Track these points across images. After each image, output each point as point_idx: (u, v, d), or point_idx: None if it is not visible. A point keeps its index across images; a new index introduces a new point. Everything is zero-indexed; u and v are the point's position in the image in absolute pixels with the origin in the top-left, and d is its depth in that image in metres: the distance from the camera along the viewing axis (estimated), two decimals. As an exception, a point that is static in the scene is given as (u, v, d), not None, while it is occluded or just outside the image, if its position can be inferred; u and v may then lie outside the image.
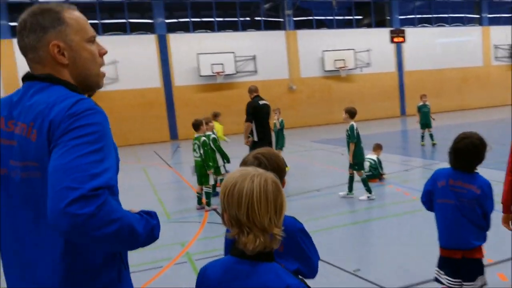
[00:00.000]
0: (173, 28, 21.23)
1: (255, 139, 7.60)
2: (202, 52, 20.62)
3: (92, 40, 1.52)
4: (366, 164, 8.09)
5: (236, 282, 1.36)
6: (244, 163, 1.94)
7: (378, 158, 8.31)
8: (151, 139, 20.09)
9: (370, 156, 8.32)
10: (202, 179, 6.98)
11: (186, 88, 21.06)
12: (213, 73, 20.83)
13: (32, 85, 1.44)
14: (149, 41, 20.52)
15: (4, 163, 1.43)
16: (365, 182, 6.90)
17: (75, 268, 1.38)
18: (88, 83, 1.53)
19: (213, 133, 8.09)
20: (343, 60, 23.16)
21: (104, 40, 19.06)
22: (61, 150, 1.28)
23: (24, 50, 1.46)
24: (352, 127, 6.83)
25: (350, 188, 7.11)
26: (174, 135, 20.86)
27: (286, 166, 5.20)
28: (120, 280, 1.48)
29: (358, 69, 23.73)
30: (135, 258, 4.24)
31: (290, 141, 12.89)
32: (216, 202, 7.55)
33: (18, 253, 1.44)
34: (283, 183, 1.78)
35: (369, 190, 6.90)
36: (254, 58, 21.90)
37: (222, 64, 20.92)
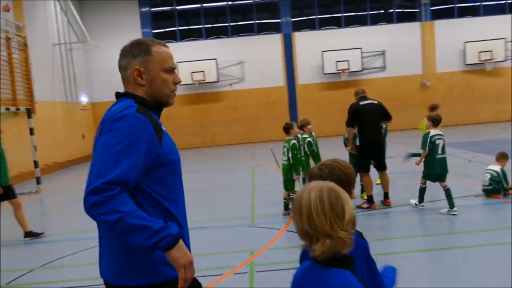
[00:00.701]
0: (298, 27, 21.17)
1: (357, 143, 7.07)
2: (327, 49, 20.14)
3: (168, 70, 1.95)
4: (486, 176, 6.93)
5: (308, 284, 1.50)
6: (309, 174, 2.01)
7: (502, 170, 6.98)
8: (273, 138, 20.39)
9: (492, 167, 7.07)
10: (288, 184, 6.72)
11: (309, 87, 20.83)
12: (337, 70, 20.21)
13: (116, 100, 1.95)
14: (274, 41, 20.81)
15: None
16: (448, 194, 6.14)
17: None
18: (158, 101, 1.97)
19: (312, 136, 7.72)
20: (490, 51, 20.33)
21: (232, 42, 20.00)
22: (97, 148, 1.76)
23: (119, 69, 1.97)
24: (426, 135, 6.38)
25: (421, 199, 6.57)
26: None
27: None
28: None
29: (509, 61, 20.57)
30: (200, 262, 4.23)
31: (414, 144, 11.71)
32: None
33: None
34: (350, 194, 1.79)
35: (451, 205, 6.11)
36: (383, 53, 20.62)
37: (347, 61, 20.16)
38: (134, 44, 1.95)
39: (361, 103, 7.07)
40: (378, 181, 7.73)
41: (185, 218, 2.00)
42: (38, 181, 11.44)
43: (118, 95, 1.97)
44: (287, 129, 6.82)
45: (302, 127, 7.70)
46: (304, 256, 1.70)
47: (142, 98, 1.90)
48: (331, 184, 1.50)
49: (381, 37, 20.63)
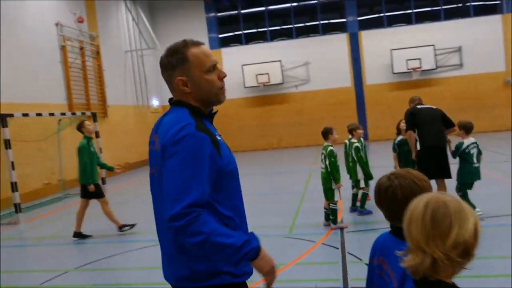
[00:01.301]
0: (365, 25, 20.35)
1: (418, 148, 6.57)
2: (396, 48, 19.12)
3: (210, 70, 1.93)
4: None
5: None
6: (377, 184, 1.82)
7: None
8: (339, 140, 19.78)
9: None
10: (328, 193, 6.38)
11: (378, 87, 19.92)
12: (408, 69, 19.10)
13: (170, 108, 2.00)
14: (340, 40, 20.21)
15: (151, 164, 1.99)
16: (465, 197, 5.83)
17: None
18: (209, 101, 1.98)
19: (361, 141, 7.32)
20: None
21: (297, 43, 19.77)
22: (166, 171, 1.78)
23: (165, 81, 2.00)
24: (459, 144, 6.04)
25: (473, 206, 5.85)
26: (364, 135, 20.02)
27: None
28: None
29: None
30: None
31: (496, 149, 10.47)
32: (349, 218, 6.86)
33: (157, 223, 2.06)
34: None
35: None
36: (459, 49, 19.13)
37: (419, 59, 18.97)
38: (169, 54, 1.94)
39: (419, 106, 6.66)
40: None
41: (245, 222, 2.04)
42: (103, 182, 12.10)
43: (171, 102, 2.01)
44: (325, 134, 6.50)
45: (351, 131, 7.35)
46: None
47: (195, 107, 1.93)
48: (447, 198, 1.35)
49: (457, 33, 19.15)
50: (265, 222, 7.14)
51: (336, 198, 6.33)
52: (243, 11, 21.28)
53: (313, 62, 20.26)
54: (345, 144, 7.62)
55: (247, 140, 20.91)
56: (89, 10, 15.99)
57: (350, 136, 7.45)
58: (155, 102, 20.77)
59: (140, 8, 19.83)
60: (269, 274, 1.82)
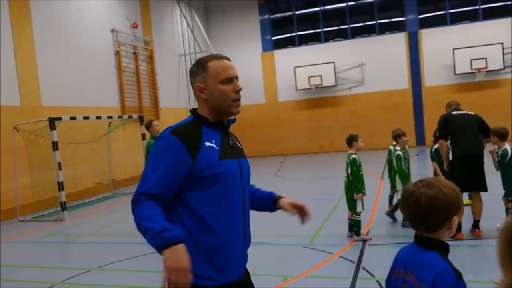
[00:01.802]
0: (426, 23, 19.29)
1: (450, 157, 6.12)
2: (459, 47, 17.92)
3: (226, 81, 2.09)
4: None
5: None
6: (403, 192, 1.78)
7: None
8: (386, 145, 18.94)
9: None
10: (350, 204, 6.08)
11: (438, 89, 18.77)
12: (472, 70, 17.82)
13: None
14: (398, 40, 19.31)
15: None
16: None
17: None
18: (220, 110, 2.12)
19: (405, 150, 6.83)
20: None
21: (351, 44, 19.24)
22: None
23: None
24: (505, 152, 5.50)
25: None
26: (420, 140, 19.01)
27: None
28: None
29: None
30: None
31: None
32: (377, 231, 6.49)
33: None
34: (450, 222, 1.66)
35: None
36: (531, 48, 17.52)
37: (485, 58, 17.63)
38: (195, 64, 2.17)
39: (453, 112, 6.15)
40: (467, 202, 6.57)
41: (231, 233, 2.04)
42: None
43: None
44: (349, 141, 6.22)
45: (395, 138, 6.89)
46: None
47: (201, 115, 2.11)
48: None
49: (529, 29, 17.56)
50: (289, 230, 6.96)
51: (359, 209, 6.01)
52: (297, 12, 21.07)
53: (368, 63, 19.58)
54: (389, 150, 7.16)
55: (298, 143, 20.67)
56: (144, 16, 16.65)
57: (394, 143, 7.02)
58: (208, 105, 21.18)
59: (195, 12, 20.32)
60: (171, 271, 1.78)
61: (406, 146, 6.90)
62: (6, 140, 9.86)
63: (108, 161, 13.17)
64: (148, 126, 7.45)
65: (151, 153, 2.04)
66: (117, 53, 14.79)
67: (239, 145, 2.26)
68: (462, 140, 5.85)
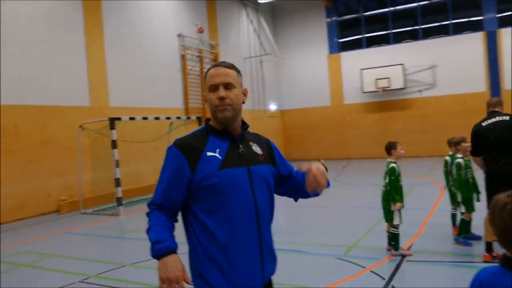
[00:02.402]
0: (505, 22, 17.73)
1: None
2: (546, 46, 16.28)
3: (211, 89, 2.11)
4: None
5: None
6: (493, 201, 1.63)
7: None
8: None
9: None
10: (386, 215, 5.75)
11: (521, 93, 17.18)
12: (561, 72, 16.10)
13: None
14: (474, 40, 17.99)
15: None
16: None
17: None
18: (216, 118, 2.13)
19: (468, 158, 6.24)
20: None
21: (422, 45, 18.29)
22: None
23: None
24: None
25: None
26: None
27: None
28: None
29: None
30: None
31: None
32: (424, 247, 6.07)
33: None
34: None
35: None
36: None
37: None
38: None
39: (484, 123, 5.26)
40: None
41: (239, 242, 2.01)
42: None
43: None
44: (388, 148, 5.90)
45: (455, 144, 6.37)
46: None
47: (208, 124, 2.17)
48: None
49: None
50: (327, 239, 6.78)
51: (396, 221, 5.66)
52: (365, 14, 20.43)
53: (440, 65, 18.47)
54: (446, 161, 6.62)
55: (364, 147, 20.02)
56: (210, 21, 17.12)
57: (450, 152, 6.51)
58: (272, 107, 21.25)
59: (262, 16, 20.48)
60: (164, 281, 1.89)
61: (467, 153, 6.29)
62: (73, 138, 10.67)
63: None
64: None
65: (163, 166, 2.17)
66: (183, 57, 15.36)
67: (257, 151, 2.16)
68: (494, 156, 5.09)
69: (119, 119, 10.15)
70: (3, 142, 9.68)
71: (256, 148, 2.18)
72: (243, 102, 2.18)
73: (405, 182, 7.67)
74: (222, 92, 2.06)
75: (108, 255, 6.92)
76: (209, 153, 2.03)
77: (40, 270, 6.19)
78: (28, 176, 10.09)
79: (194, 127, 14.38)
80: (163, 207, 2.05)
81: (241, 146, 2.11)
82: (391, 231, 5.73)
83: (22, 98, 10.07)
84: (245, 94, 2.19)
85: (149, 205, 2.08)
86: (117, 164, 9.80)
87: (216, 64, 2.16)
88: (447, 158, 6.60)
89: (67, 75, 11.08)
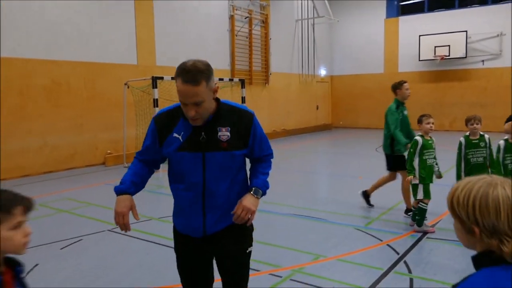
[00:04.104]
0: None
1: None
2: None
3: (181, 101, 2.26)
4: None
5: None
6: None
7: None
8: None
9: None
10: (412, 189, 5.60)
11: None
12: None
13: None
14: (551, 6, 16.34)
15: None
16: None
17: None
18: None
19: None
20: None
21: (490, 10, 16.96)
22: None
23: None
24: None
25: None
26: None
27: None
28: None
29: None
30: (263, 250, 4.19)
31: None
32: (449, 225, 5.89)
33: None
34: None
35: None
36: None
37: None
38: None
39: None
40: None
41: (185, 200, 2.41)
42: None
43: None
44: (393, 88, 5.89)
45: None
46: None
47: (181, 109, 2.40)
48: None
49: None
50: (353, 210, 6.71)
51: (419, 195, 5.49)
52: (429, -26, 19.08)
53: (509, 34, 17.02)
54: (460, 143, 6.19)
55: (415, 118, 19.15)
56: (262, -20, 16.74)
57: (468, 133, 6.10)
58: (322, 72, 20.76)
59: (317, -24, 19.72)
60: (114, 214, 2.36)
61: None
62: (120, 95, 11.10)
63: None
64: (396, 88, 6.69)
65: None
66: (231, 17, 15.24)
67: (221, 138, 2.29)
68: None
69: (161, 78, 10.39)
70: (55, 97, 10.28)
71: (223, 134, 2.29)
72: (214, 97, 2.29)
73: (451, 157, 7.31)
74: (192, 111, 2.18)
75: (139, 208, 7.27)
76: (175, 134, 2.33)
77: (77, 216, 6.68)
78: (78, 129, 10.71)
79: (238, 90, 14.38)
80: (143, 160, 2.53)
81: (203, 133, 2.27)
82: (419, 206, 5.56)
83: (74, 54, 10.55)
84: (215, 91, 2.25)
85: (135, 157, 2.56)
86: (158, 122, 10.11)
87: (184, 74, 2.13)
88: (461, 139, 6.12)
89: (117, 33, 11.41)
